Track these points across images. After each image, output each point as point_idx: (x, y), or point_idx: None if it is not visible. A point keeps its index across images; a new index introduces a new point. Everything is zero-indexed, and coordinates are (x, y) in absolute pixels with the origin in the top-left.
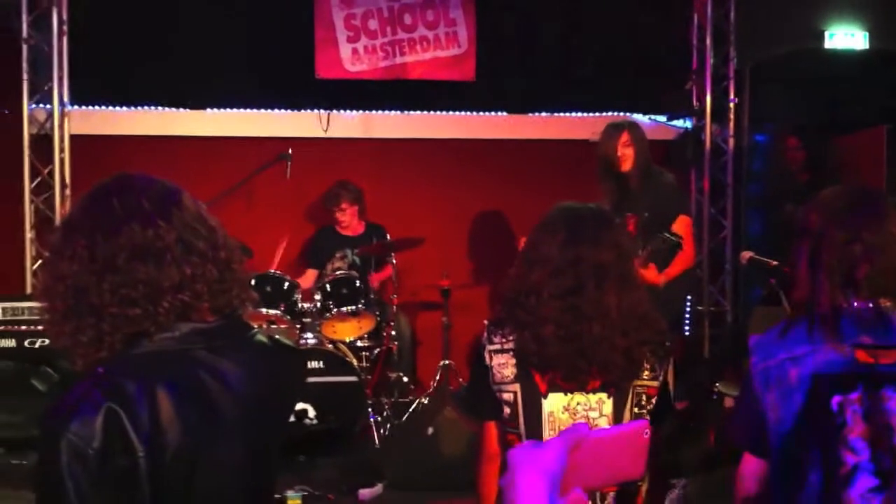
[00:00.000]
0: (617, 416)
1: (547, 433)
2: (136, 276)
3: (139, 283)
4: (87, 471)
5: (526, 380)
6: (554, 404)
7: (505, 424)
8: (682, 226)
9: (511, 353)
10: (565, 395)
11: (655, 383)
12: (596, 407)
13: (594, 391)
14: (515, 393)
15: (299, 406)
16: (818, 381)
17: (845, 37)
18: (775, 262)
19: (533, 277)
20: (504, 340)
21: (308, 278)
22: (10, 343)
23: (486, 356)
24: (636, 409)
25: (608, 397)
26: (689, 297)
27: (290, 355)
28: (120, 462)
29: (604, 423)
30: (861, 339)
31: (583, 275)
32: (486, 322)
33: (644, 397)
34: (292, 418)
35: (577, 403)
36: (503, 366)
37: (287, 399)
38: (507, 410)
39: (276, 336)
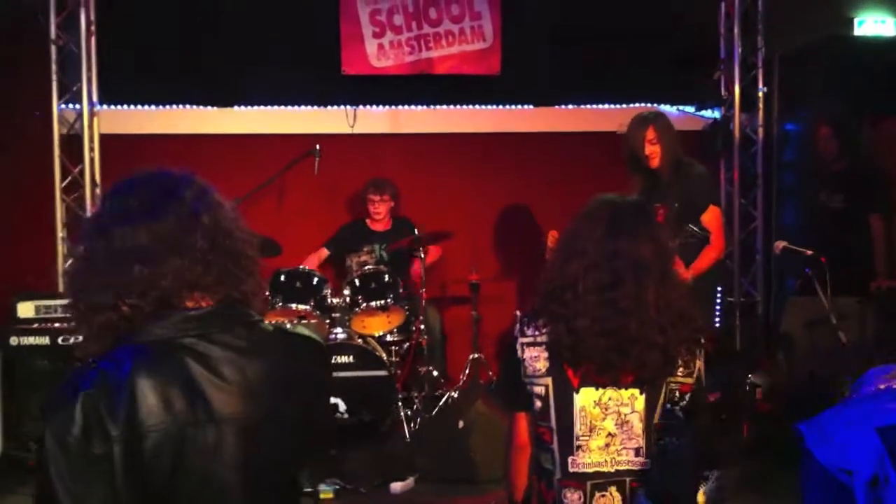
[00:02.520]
0: (649, 413)
1: (578, 427)
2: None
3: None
4: (68, 457)
5: (558, 373)
6: (586, 399)
7: (536, 417)
8: (712, 216)
9: (544, 346)
10: (597, 389)
11: (689, 380)
12: (628, 402)
13: (627, 386)
14: (547, 386)
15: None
16: (885, 433)
17: (874, 24)
18: (811, 251)
19: (570, 270)
20: (537, 333)
21: (318, 255)
22: (44, 341)
23: (519, 349)
24: (668, 406)
25: (641, 393)
26: (719, 289)
27: (302, 344)
28: (97, 448)
29: (635, 419)
30: None
31: (621, 270)
32: (517, 314)
33: (677, 393)
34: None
35: (609, 398)
36: (535, 359)
37: (297, 386)
38: (538, 404)
39: (294, 326)
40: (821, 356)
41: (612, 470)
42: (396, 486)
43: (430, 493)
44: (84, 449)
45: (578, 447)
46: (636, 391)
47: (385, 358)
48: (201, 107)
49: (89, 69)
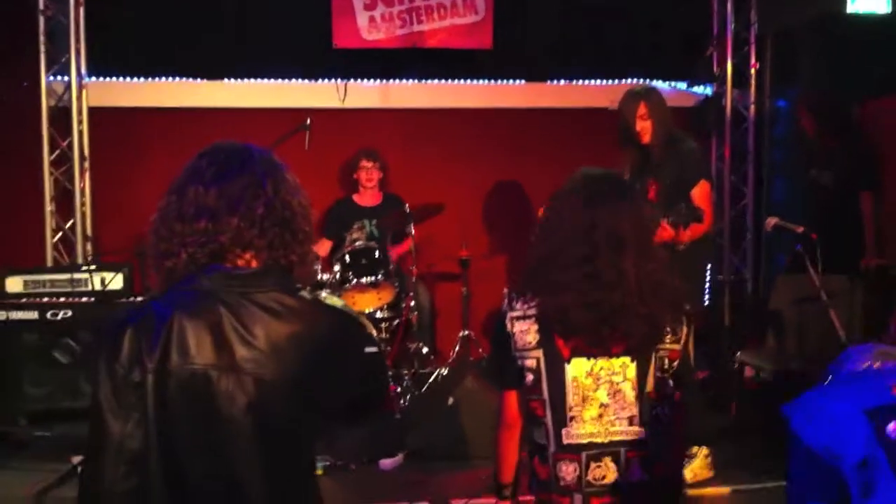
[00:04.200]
0: (640, 381)
1: (571, 398)
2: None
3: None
4: (114, 381)
5: (549, 345)
6: (577, 369)
7: (527, 392)
8: (701, 191)
9: (533, 318)
10: (588, 359)
11: (677, 346)
12: (620, 371)
13: (617, 356)
14: (538, 359)
15: None
16: (871, 414)
17: (867, 1)
18: (801, 228)
19: (551, 244)
20: (526, 307)
21: (322, 248)
22: (33, 315)
23: (508, 323)
24: (658, 374)
25: (631, 361)
26: (709, 266)
27: (332, 316)
28: (135, 376)
29: (627, 387)
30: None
31: (598, 241)
32: (505, 290)
33: (666, 361)
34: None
35: (601, 368)
36: (525, 332)
37: (319, 355)
38: (529, 377)
39: (327, 298)
40: (810, 335)
41: (606, 440)
42: (386, 463)
43: (419, 470)
44: (127, 376)
45: (572, 418)
46: (627, 359)
47: (375, 335)
48: (191, 79)
49: (78, 40)
